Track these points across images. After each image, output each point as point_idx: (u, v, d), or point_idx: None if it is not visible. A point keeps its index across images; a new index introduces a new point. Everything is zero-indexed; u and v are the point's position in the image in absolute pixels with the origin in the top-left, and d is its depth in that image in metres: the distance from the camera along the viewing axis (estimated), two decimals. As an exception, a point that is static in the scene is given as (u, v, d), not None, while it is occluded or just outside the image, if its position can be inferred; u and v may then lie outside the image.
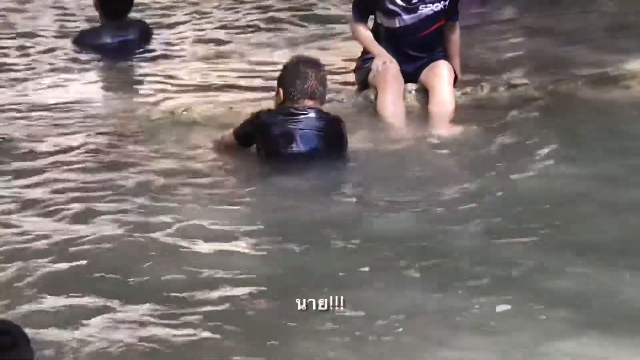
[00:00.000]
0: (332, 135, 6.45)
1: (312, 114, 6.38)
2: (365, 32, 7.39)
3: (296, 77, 6.38)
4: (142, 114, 7.69)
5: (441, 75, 7.14)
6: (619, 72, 7.77)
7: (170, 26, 10.53)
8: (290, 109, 6.40)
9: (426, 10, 7.21)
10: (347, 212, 5.91)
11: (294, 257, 5.21)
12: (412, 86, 7.22)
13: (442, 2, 7.26)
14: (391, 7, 7.18)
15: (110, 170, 6.58)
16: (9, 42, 10.16)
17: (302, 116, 6.36)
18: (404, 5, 7.19)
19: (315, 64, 6.69)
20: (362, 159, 6.63)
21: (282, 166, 6.50)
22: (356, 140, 6.63)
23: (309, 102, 6.33)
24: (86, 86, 8.73)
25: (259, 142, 6.56)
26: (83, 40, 9.48)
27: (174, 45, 9.72)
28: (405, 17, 7.21)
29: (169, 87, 8.40)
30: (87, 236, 5.52)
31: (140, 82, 8.95)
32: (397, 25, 7.21)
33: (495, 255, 4.91)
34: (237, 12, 10.92)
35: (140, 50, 9.46)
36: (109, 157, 6.77)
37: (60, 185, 6.34)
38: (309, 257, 5.19)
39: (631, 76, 7.59)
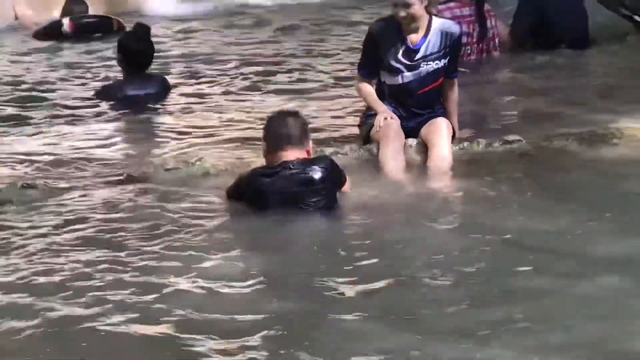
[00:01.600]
0: (320, 182, 6.48)
1: (289, 171, 6.46)
2: (368, 89, 7.61)
3: (273, 127, 6.61)
4: (158, 163, 7.80)
5: (440, 132, 7.32)
6: (607, 130, 7.96)
7: (190, 77, 10.59)
8: (270, 167, 6.58)
9: (427, 67, 7.44)
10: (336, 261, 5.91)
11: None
12: (412, 141, 7.41)
13: (442, 60, 7.48)
14: (394, 64, 7.40)
15: (124, 214, 6.71)
16: (32, 93, 10.14)
17: (280, 172, 6.49)
18: (407, 62, 7.40)
19: (291, 113, 6.95)
20: (360, 209, 6.66)
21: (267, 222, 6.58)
22: (357, 192, 6.77)
23: (288, 150, 6.46)
24: (107, 136, 8.79)
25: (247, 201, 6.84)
26: (106, 93, 9.63)
27: (191, 98, 9.74)
28: (408, 74, 7.43)
29: (184, 138, 8.52)
30: (99, 277, 5.58)
31: (158, 134, 8.98)
32: (400, 82, 7.43)
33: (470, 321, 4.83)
34: (258, 65, 10.92)
35: (160, 102, 9.59)
36: (124, 204, 6.88)
37: (78, 227, 6.37)
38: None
39: (618, 135, 7.85)
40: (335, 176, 6.60)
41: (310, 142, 6.72)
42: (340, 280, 5.41)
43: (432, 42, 7.47)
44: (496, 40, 10.57)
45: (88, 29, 11.76)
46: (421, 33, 7.44)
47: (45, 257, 5.87)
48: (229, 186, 6.88)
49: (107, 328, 4.91)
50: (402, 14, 7.32)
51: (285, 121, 6.67)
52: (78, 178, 7.51)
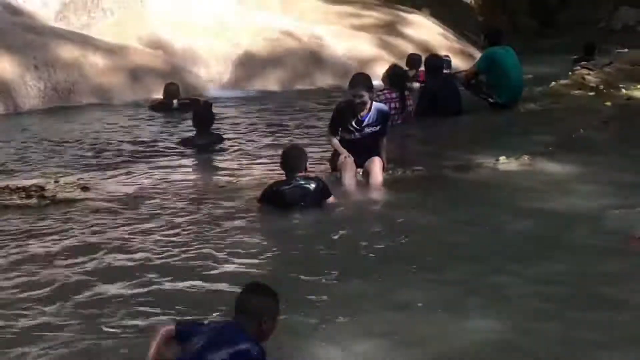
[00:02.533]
0: (314, 192, 7.57)
1: (298, 182, 7.52)
2: (335, 140, 8.63)
3: (288, 159, 7.66)
4: (214, 183, 8.85)
5: (375, 164, 8.44)
6: (470, 162, 9.14)
7: (233, 138, 11.00)
8: (286, 181, 7.55)
9: (368, 130, 8.52)
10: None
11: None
12: (359, 170, 8.49)
13: (377, 127, 8.55)
14: (350, 128, 8.50)
15: (184, 217, 7.34)
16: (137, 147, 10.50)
17: (292, 184, 7.49)
18: (357, 128, 8.51)
19: (297, 148, 8.09)
20: (332, 209, 7.63)
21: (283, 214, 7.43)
22: (331, 199, 7.66)
23: (296, 172, 7.50)
24: (184, 169, 9.52)
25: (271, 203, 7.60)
26: (186, 142, 10.38)
27: (234, 149, 10.32)
28: (357, 134, 8.53)
29: (230, 171, 9.26)
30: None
31: (216, 167, 9.63)
32: (352, 138, 8.54)
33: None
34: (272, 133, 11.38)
35: (217, 149, 10.23)
36: (183, 212, 7.52)
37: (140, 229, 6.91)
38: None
39: (477, 166, 9.06)
40: (324, 190, 7.63)
41: (307, 165, 7.67)
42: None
43: (372, 116, 8.50)
44: (411, 112, 11.41)
45: (188, 107, 12.03)
46: (366, 111, 8.48)
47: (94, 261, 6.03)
48: (260, 195, 7.74)
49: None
50: (357, 101, 8.37)
51: (294, 155, 7.72)
52: (165, 198, 8.05)
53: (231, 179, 8.82)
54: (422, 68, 12.85)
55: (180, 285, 5.55)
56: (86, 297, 5.33)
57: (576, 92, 13.26)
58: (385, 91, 11.11)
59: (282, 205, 7.55)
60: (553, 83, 13.73)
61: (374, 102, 8.65)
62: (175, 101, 12.38)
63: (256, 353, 3.96)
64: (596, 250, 6.24)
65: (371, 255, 6.41)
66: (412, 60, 13.58)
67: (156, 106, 12.60)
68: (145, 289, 5.46)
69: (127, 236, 6.73)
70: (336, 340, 4.63)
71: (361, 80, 8.58)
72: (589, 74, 14.04)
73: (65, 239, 6.65)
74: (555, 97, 13.05)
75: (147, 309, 5.09)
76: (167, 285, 5.55)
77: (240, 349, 3.97)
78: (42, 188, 7.86)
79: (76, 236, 6.74)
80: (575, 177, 8.59)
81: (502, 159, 9.11)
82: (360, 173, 8.58)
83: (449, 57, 14.22)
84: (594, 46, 15.99)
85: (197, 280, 5.65)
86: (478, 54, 14.46)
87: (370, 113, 8.53)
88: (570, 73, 14.22)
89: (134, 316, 4.98)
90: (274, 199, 7.63)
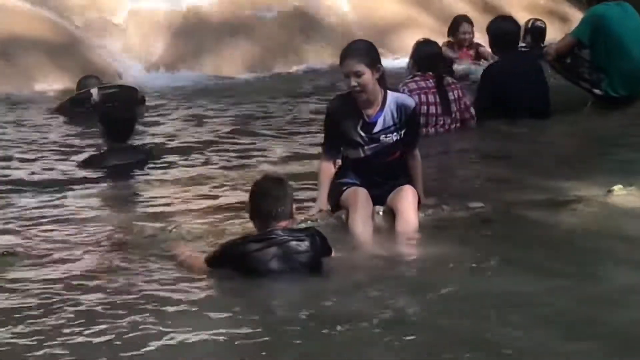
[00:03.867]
0: (305, 253, 7.30)
1: (279, 237, 7.21)
2: (325, 169, 8.62)
3: (259, 197, 7.38)
4: (137, 230, 8.85)
5: (406, 198, 8.31)
6: (566, 197, 9.12)
7: (170, 151, 11.47)
8: (258, 236, 7.33)
9: (386, 140, 8.41)
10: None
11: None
12: (379, 208, 8.38)
13: (400, 132, 8.45)
14: (355, 139, 8.40)
15: (103, 278, 7.55)
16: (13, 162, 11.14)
17: (269, 241, 7.16)
18: (366, 136, 8.40)
19: (277, 183, 7.59)
20: (332, 273, 7.48)
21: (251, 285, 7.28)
22: (338, 245, 7.62)
23: (273, 224, 7.21)
24: (88, 203, 9.78)
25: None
26: (90, 162, 10.72)
27: (171, 169, 10.65)
28: (367, 147, 8.43)
29: (162, 207, 9.48)
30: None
31: (138, 202, 9.85)
32: (362, 155, 8.42)
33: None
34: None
35: (141, 172, 10.50)
36: (102, 266, 7.81)
37: (57, 292, 7.20)
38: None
39: (577, 201, 8.97)
40: (322, 247, 7.40)
41: (292, 207, 7.41)
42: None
43: (388, 116, 8.43)
44: (471, 109, 11.64)
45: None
46: (377, 107, 8.41)
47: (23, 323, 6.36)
48: (209, 255, 7.52)
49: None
50: (353, 83, 8.23)
51: (272, 194, 7.39)
52: (59, 243, 8.42)
53: (163, 224, 8.84)
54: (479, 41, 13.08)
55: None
56: None
57: None
58: (417, 77, 11.38)
59: (253, 272, 7.34)
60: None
61: (389, 91, 8.59)
62: (94, 91, 12.56)
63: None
64: None
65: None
66: (459, 23, 13.79)
67: (64, 106, 12.83)
68: None
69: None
70: None
71: (356, 48, 8.58)
72: None
73: None
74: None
75: None
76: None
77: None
78: None
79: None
80: None
81: (616, 188, 9.08)
82: (380, 213, 8.56)
83: (543, 23, 14.43)
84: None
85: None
86: (578, 17, 14.37)
87: (385, 110, 8.50)
88: None
89: None
90: (240, 263, 7.40)
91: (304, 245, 7.30)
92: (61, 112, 12.77)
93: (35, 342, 6.03)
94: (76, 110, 12.86)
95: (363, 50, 8.49)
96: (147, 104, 12.68)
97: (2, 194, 10.04)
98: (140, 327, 6.33)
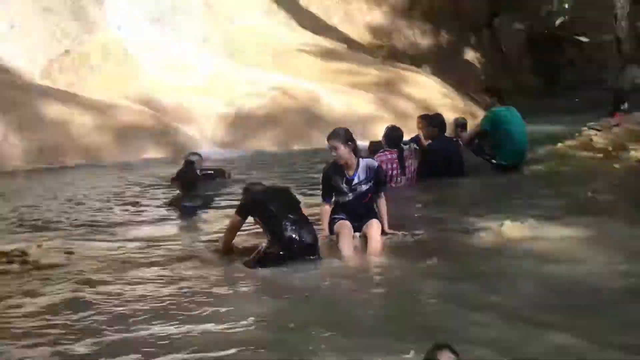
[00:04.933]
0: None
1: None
2: (325, 210, 8.56)
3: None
4: (189, 243, 8.88)
5: (372, 228, 8.34)
6: (477, 227, 9.04)
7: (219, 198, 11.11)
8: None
9: (361, 189, 8.39)
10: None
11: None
12: (357, 234, 8.39)
13: (369, 184, 8.42)
14: (341, 189, 8.40)
15: (172, 275, 7.45)
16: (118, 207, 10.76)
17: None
18: (348, 188, 8.41)
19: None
20: (327, 269, 7.63)
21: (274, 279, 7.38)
22: (327, 261, 7.80)
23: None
24: (168, 227, 9.73)
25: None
26: (171, 203, 10.58)
27: (221, 209, 10.35)
28: (350, 195, 8.41)
29: (213, 233, 9.24)
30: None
31: (198, 228, 9.73)
32: (346, 199, 8.42)
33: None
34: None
35: (203, 211, 10.33)
36: (167, 280, 7.44)
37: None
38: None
39: (482, 229, 8.95)
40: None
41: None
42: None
43: (362, 173, 8.37)
44: (412, 174, 11.52)
45: (211, 177, 11.93)
46: (353, 169, 8.36)
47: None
48: (238, 208, 8.05)
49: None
50: (333, 154, 8.28)
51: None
52: (150, 263, 8.05)
53: (210, 239, 8.90)
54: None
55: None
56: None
57: (583, 153, 13.27)
58: (386, 152, 11.30)
59: (271, 216, 7.84)
60: (559, 144, 13.79)
61: (361, 159, 8.57)
62: (198, 171, 11.66)
63: None
64: (612, 307, 6.34)
65: (370, 322, 6.38)
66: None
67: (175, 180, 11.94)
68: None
69: (107, 306, 6.66)
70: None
71: (335, 133, 8.47)
72: (596, 135, 14.05)
73: (42, 309, 6.58)
74: (562, 159, 13.05)
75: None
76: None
77: None
78: (24, 253, 7.83)
79: (54, 304, 6.67)
80: (583, 242, 8.46)
81: (506, 223, 8.99)
82: (358, 237, 8.48)
83: (464, 119, 14.15)
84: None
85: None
86: (481, 114, 14.47)
87: (359, 171, 8.46)
88: (577, 134, 14.24)
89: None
90: (262, 206, 7.97)
91: (310, 236, 7.81)
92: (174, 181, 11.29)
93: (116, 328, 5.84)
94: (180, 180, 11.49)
95: (339, 133, 8.41)
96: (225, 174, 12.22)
97: (112, 226, 9.76)
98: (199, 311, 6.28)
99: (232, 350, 5.51)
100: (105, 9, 16.17)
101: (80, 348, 5.56)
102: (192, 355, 5.44)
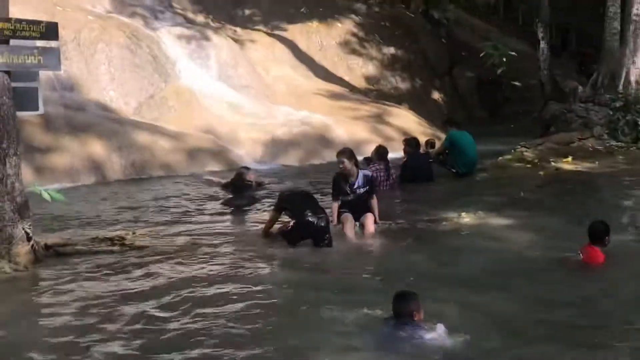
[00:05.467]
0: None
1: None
2: (335, 205, 8.32)
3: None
4: (249, 233, 8.60)
5: (368, 218, 8.30)
6: (443, 217, 8.91)
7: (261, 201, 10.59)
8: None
9: (360, 192, 8.29)
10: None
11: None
12: (357, 223, 8.31)
13: (365, 188, 8.30)
14: (346, 191, 8.26)
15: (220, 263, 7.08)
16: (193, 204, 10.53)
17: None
18: (350, 190, 8.28)
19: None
20: (336, 248, 7.57)
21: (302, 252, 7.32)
22: (336, 241, 7.67)
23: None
24: (224, 222, 9.36)
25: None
26: (226, 203, 10.33)
27: (267, 206, 9.85)
28: (351, 195, 8.29)
29: (255, 219, 9.23)
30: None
31: (246, 222, 9.40)
32: (349, 199, 8.31)
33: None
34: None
35: (249, 208, 10.07)
36: (226, 254, 7.34)
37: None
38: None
39: (445, 220, 8.83)
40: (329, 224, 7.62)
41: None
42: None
43: (360, 181, 8.28)
44: (395, 181, 11.25)
45: (253, 184, 11.09)
46: (355, 177, 8.26)
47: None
48: (275, 205, 7.93)
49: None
50: (340, 166, 8.17)
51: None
52: (212, 245, 7.82)
53: (260, 230, 8.54)
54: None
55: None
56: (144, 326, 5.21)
57: (517, 164, 13.15)
58: (375, 164, 11.16)
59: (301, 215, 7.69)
60: (500, 158, 13.66)
61: (360, 170, 8.51)
62: (246, 177, 11.16)
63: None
64: (539, 270, 6.51)
65: (366, 282, 6.46)
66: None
67: (226, 185, 11.39)
68: (205, 323, 5.26)
69: (183, 273, 6.69)
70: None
71: (342, 151, 8.40)
72: (527, 151, 14.00)
73: (139, 278, 6.58)
74: (502, 169, 12.95)
75: (205, 338, 4.91)
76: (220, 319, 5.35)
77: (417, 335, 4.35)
78: (122, 238, 7.79)
79: (147, 275, 6.70)
80: (517, 227, 8.47)
81: (463, 214, 8.97)
82: (357, 225, 8.40)
83: (434, 140, 14.10)
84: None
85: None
86: (443, 136, 14.16)
87: (358, 178, 8.34)
88: (512, 150, 14.13)
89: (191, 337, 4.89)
90: (294, 205, 7.86)
91: (324, 221, 7.65)
92: (225, 187, 11.22)
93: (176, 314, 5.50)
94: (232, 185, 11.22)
95: (345, 151, 8.39)
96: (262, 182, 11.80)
97: (183, 218, 9.58)
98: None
99: (262, 300, 5.66)
100: (177, 66, 16.22)
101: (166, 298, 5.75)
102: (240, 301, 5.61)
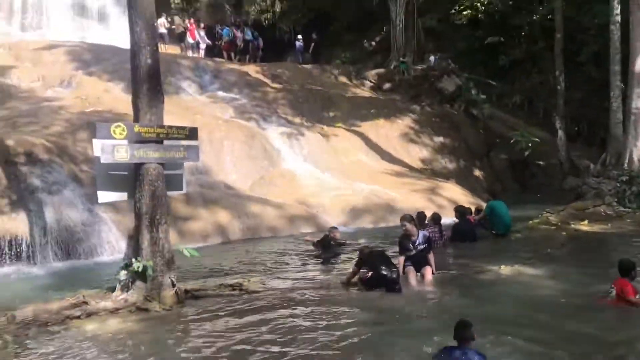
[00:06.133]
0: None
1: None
2: (401, 259, 8.01)
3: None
4: (326, 278, 8.31)
5: (427, 270, 8.11)
6: (484, 269, 8.63)
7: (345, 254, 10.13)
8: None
9: (420, 248, 8.07)
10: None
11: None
12: (418, 274, 8.08)
13: (424, 245, 8.07)
14: (409, 248, 8.02)
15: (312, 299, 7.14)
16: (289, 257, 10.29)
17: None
18: (413, 247, 8.05)
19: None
20: (403, 293, 7.30)
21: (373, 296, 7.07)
22: (403, 288, 7.46)
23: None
24: (315, 271, 8.97)
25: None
26: (318, 257, 9.76)
27: (345, 261, 9.49)
28: (414, 251, 8.07)
29: (339, 271, 8.83)
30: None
31: (331, 270, 9.01)
32: (412, 254, 8.06)
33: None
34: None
35: (334, 261, 9.51)
36: (317, 300, 7.14)
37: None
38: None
39: (488, 271, 8.39)
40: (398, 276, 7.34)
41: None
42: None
43: (420, 239, 8.07)
44: (447, 240, 10.85)
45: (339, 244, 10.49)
46: (416, 236, 8.06)
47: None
48: (356, 262, 7.60)
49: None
50: (403, 228, 7.99)
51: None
52: (308, 289, 7.65)
53: (343, 277, 8.33)
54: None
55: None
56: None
57: (544, 226, 12.66)
58: (431, 227, 10.83)
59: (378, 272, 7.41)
60: (530, 221, 13.17)
61: (420, 231, 8.34)
62: (331, 236, 10.63)
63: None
64: (571, 310, 6.20)
65: (427, 319, 6.39)
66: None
67: (317, 243, 10.83)
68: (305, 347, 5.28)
69: (286, 310, 6.70)
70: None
71: (404, 217, 8.19)
72: (551, 216, 13.54)
73: (254, 314, 6.59)
74: (532, 230, 12.44)
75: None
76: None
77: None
78: (241, 284, 7.79)
79: (259, 311, 6.70)
80: (548, 277, 8.19)
81: (502, 266, 8.69)
82: (419, 275, 8.23)
83: (479, 208, 13.55)
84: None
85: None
86: (484, 205, 13.77)
87: (419, 237, 8.16)
88: (540, 215, 13.63)
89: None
90: (372, 263, 7.55)
91: (395, 274, 7.48)
92: (316, 244, 10.63)
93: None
94: (322, 243, 10.70)
95: (407, 217, 8.28)
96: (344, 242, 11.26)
97: (285, 268, 9.40)
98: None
99: (347, 331, 5.56)
100: (280, 155, 16.50)
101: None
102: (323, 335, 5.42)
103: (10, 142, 10.75)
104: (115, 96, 15.80)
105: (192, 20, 25.58)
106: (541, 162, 21.28)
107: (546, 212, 13.98)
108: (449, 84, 23.23)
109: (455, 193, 17.13)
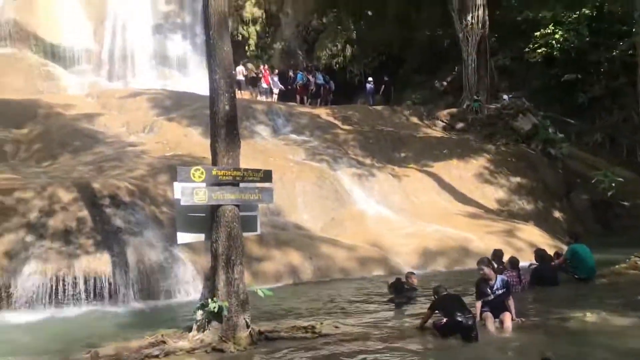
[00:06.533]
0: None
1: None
2: (478, 304, 7.89)
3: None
4: (399, 322, 8.25)
5: (506, 316, 7.84)
6: (568, 316, 8.21)
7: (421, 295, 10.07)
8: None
9: (498, 293, 7.89)
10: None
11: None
12: (496, 320, 7.86)
13: (502, 289, 7.87)
14: (487, 293, 7.85)
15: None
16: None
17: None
18: (491, 291, 7.91)
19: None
20: (481, 341, 7.16)
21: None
22: (480, 335, 7.28)
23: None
24: (387, 315, 9.03)
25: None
26: (391, 300, 9.77)
27: (421, 302, 9.49)
28: (492, 296, 7.91)
29: (414, 314, 8.61)
30: None
31: (404, 314, 9.00)
32: (490, 299, 7.90)
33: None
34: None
35: (407, 305, 9.56)
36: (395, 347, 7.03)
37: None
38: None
39: (572, 318, 8.09)
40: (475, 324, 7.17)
41: None
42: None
43: (498, 284, 7.90)
44: (526, 284, 10.58)
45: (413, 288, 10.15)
46: (494, 280, 7.90)
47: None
48: (431, 304, 7.52)
49: None
50: (481, 272, 7.92)
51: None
52: (378, 334, 7.67)
53: (416, 322, 8.26)
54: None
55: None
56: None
57: (632, 271, 12.03)
58: (509, 271, 10.58)
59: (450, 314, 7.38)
60: (616, 266, 12.49)
61: (498, 275, 8.14)
62: (406, 286, 10.30)
63: None
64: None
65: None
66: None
67: (390, 286, 10.49)
68: None
69: (364, 354, 6.65)
70: None
71: (481, 260, 8.21)
72: (640, 260, 12.82)
73: (330, 357, 6.59)
74: (618, 275, 11.84)
75: None
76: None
77: None
78: (313, 327, 7.75)
79: (334, 354, 6.68)
80: (636, 327, 7.77)
81: (587, 313, 8.32)
82: (497, 321, 7.99)
83: (561, 251, 13.03)
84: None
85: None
86: (565, 248, 13.20)
87: (497, 281, 8.00)
88: (627, 259, 12.86)
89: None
90: (444, 307, 7.47)
91: (471, 320, 7.26)
92: (389, 287, 10.32)
93: None
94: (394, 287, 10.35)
95: (484, 260, 8.26)
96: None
97: (355, 310, 9.38)
98: None
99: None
100: (352, 196, 16.51)
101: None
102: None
103: (96, 185, 11.22)
104: (194, 140, 16.45)
105: (266, 66, 26.53)
106: (626, 203, 20.22)
107: (635, 256, 13.15)
108: (525, 123, 22.65)
109: (533, 235, 16.54)
